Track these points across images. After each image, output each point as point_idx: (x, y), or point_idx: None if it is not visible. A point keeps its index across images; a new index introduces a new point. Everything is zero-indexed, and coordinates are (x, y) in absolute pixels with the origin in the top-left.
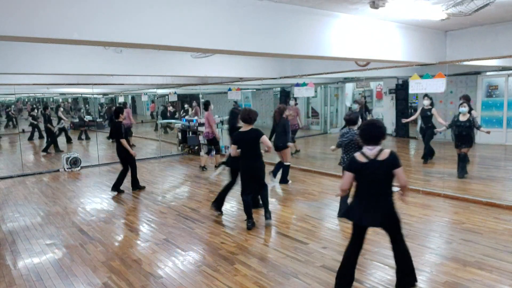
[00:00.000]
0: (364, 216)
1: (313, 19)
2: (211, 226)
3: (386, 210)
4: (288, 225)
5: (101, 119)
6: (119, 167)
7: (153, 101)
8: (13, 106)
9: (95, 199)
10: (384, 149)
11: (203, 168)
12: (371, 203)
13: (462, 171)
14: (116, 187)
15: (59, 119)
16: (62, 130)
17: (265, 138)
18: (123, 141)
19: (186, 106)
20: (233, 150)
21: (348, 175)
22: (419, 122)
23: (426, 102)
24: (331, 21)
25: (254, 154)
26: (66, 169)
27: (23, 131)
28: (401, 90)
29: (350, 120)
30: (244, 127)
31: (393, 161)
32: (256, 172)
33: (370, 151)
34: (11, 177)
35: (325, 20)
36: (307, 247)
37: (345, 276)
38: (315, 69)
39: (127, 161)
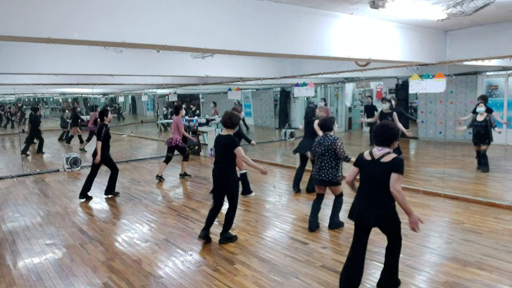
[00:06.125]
0: (360, 214)
1: (313, 19)
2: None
3: (382, 211)
4: (288, 225)
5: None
6: (119, 167)
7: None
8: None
9: (95, 199)
10: (391, 153)
11: (160, 178)
12: (368, 202)
13: (485, 167)
14: (110, 190)
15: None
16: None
17: (239, 151)
18: (99, 144)
19: (192, 107)
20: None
21: (353, 169)
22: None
23: (386, 105)
24: (331, 21)
25: (223, 162)
26: (66, 169)
27: (23, 131)
28: (401, 90)
29: (325, 125)
30: (224, 131)
31: (393, 165)
32: (217, 180)
33: (378, 151)
34: (11, 177)
35: (325, 20)
36: (307, 247)
37: (348, 279)
38: (315, 69)
39: (107, 164)
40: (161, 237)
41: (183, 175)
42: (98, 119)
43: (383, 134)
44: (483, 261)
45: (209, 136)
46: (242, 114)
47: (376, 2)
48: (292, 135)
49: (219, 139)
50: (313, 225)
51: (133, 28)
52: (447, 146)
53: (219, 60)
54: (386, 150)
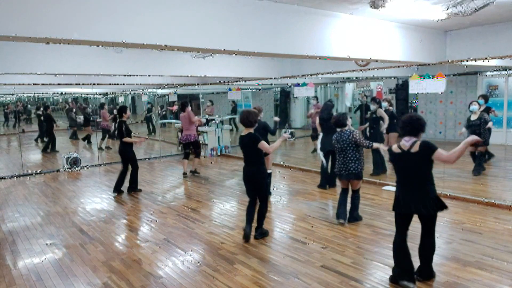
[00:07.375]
0: (405, 204)
1: (313, 19)
2: (211, 226)
3: (427, 198)
4: (288, 225)
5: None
6: (119, 167)
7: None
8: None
9: (95, 199)
10: (418, 142)
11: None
12: (410, 192)
13: (478, 169)
14: (117, 188)
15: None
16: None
17: (263, 144)
18: (128, 139)
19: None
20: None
21: (392, 166)
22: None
23: (374, 106)
24: (331, 21)
25: (251, 160)
26: (66, 169)
27: (23, 131)
28: (401, 90)
29: (338, 122)
30: (244, 131)
31: (425, 150)
32: (249, 178)
33: (406, 142)
34: (11, 177)
35: (325, 20)
36: (307, 247)
37: (403, 265)
38: (315, 69)
39: (129, 161)
40: (161, 237)
41: (194, 172)
42: (117, 116)
43: (411, 125)
44: (483, 261)
45: (209, 136)
46: (262, 115)
47: (376, 2)
48: (292, 135)
49: (242, 139)
50: (344, 216)
51: (133, 28)
52: (447, 146)
53: (219, 60)
54: (414, 139)
